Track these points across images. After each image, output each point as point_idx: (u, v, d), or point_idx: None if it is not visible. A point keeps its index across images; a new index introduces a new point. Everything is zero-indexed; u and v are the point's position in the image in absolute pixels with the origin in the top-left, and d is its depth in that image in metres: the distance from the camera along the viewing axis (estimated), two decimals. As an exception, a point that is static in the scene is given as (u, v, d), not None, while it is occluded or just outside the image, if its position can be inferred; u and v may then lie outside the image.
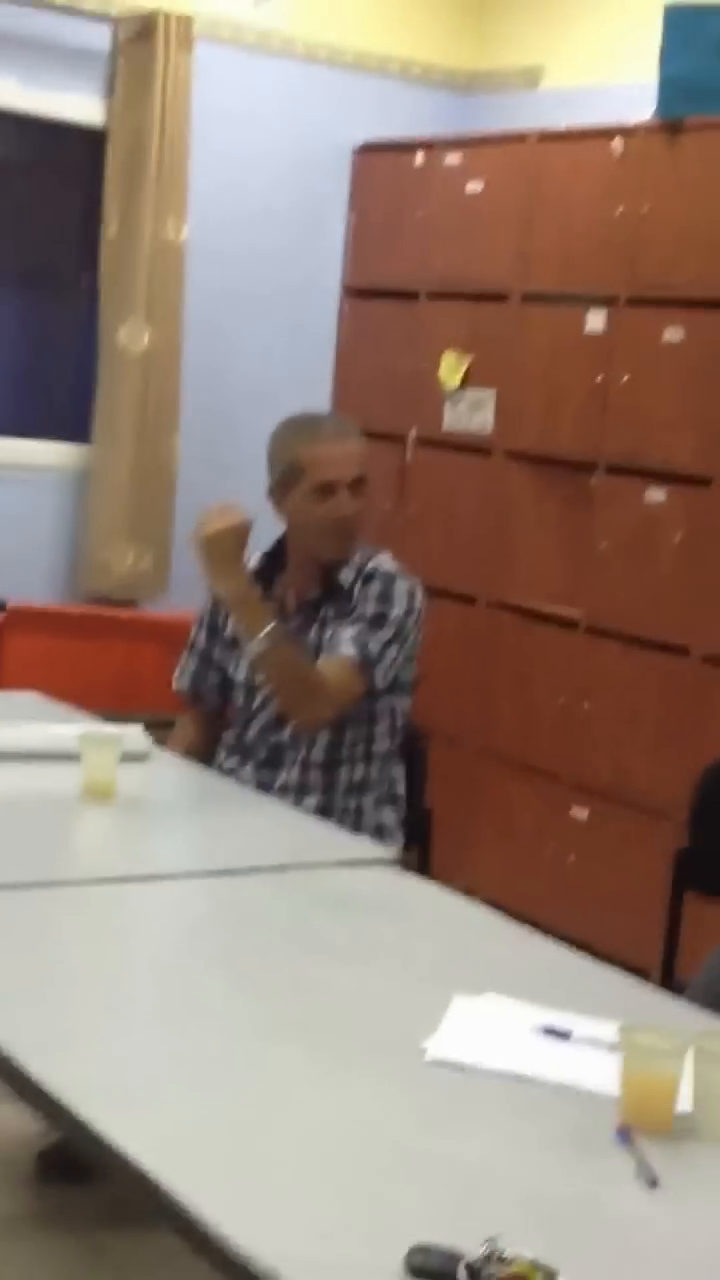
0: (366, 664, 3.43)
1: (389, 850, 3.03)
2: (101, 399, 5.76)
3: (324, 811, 3.47)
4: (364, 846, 3.05)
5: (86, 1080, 1.98)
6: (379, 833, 3.58)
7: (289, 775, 3.52)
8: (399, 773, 3.67)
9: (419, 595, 3.56)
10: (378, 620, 3.47)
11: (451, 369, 5.57)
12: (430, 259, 5.73)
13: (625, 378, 5.04)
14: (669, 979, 3.52)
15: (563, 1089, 2.08)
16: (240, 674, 3.60)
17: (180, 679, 3.74)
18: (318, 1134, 1.92)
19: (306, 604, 3.56)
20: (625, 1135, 1.94)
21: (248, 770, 3.56)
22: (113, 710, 5.02)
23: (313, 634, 3.53)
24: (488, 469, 5.52)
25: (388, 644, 3.46)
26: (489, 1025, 2.25)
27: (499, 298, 5.47)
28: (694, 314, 4.86)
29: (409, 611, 3.51)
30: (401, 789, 3.68)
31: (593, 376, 5.13)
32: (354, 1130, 1.93)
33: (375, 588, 3.50)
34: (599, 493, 5.14)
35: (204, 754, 3.68)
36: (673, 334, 4.90)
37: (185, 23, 5.59)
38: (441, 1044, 2.17)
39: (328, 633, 3.51)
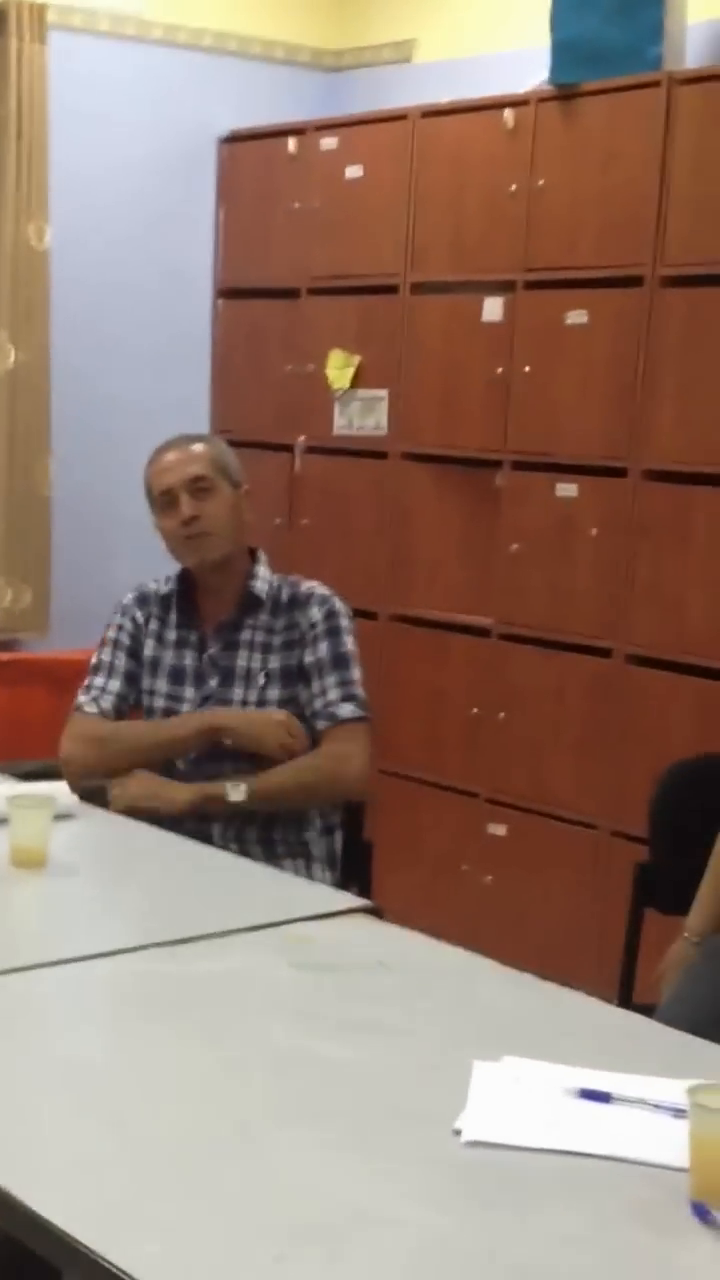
0: (366, 710, 3.52)
1: (361, 899, 2.90)
2: (-36, 425, 5.55)
3: (268, 844, 3.46)
4: (335, 897, 2.91)
5: (70, 1195, 1.82)
6: (330, 863, 3.57)
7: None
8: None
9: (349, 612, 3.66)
10: (342, 661, 3.52)
11: (339, 369, 5.46)
12: (309, 252, 5.63)
13: (527, 367, 4.96)
14: (626, 1004, 3.43)
15: (618, 1162, 1.96)
16: (159, 702, 3.57)
17: (101, 700, 3.59)
18: (352, 1235, 1.76)
19: (225, 626, 3.57)
20: (705, 1212, 1.82)
21: None
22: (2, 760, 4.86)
23: (241, 658, 3.54)
24: (384, 473, 5.42)
25: (360, 677, 3.55)
26: (519, 1094, 2.12)
27: (387, 290, 5.37)
28: (597, 295, 4.80)
29: (355, 635, 3.59)
30: (338, 817, 3.65)
31: (493, 368, 5.05)
32: (392, 1229, 1.78)
33: (318, 621, 3.53)
34: (505, 491, 5.07)
35: None
36: (576, 317, 4.83)
37: (38, 11, 5.40)
38: (475, 1122, 2.04)
39: (255, 657, 3.53)
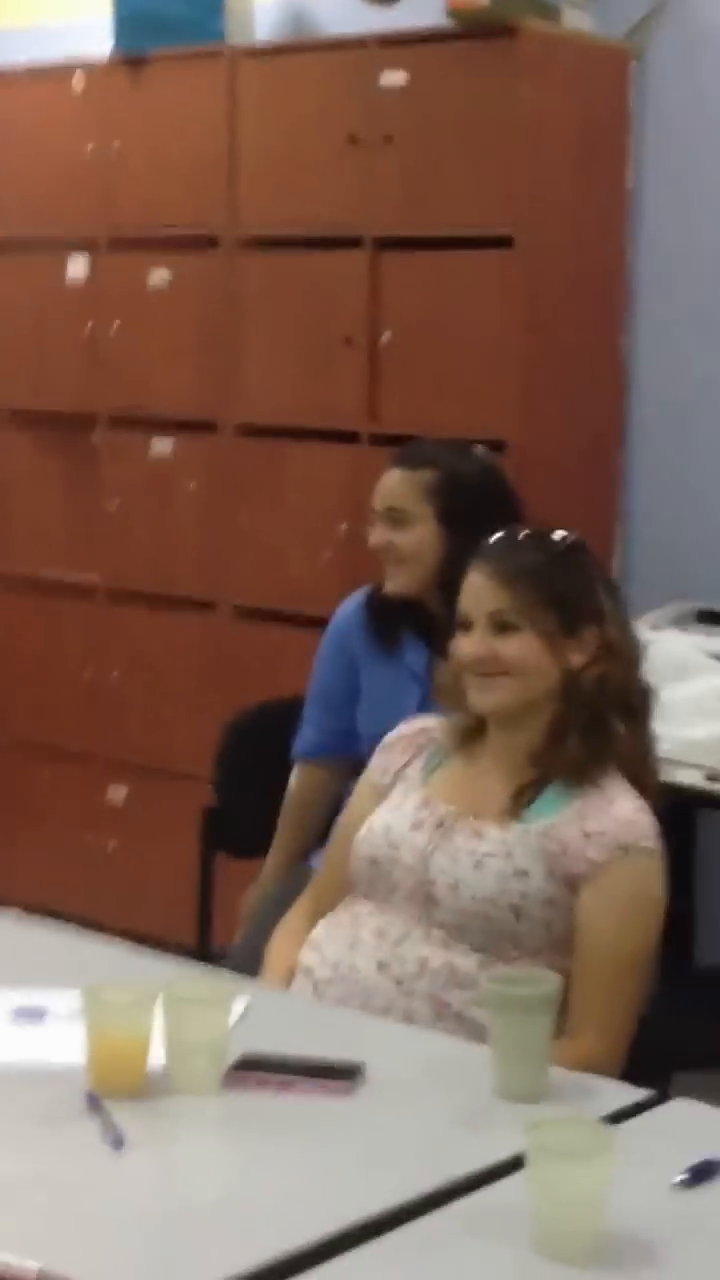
0: None
1: None
2: None
3: None
4: None
5: None
6: None
7: None
8: None
9: None
10: None
11: None
12: None
13: (115, 325, 5.17)
14: (206, 949, 3.64)
15: (31, 1070, 2.18)
16: None
17: None
18: None
19: None
20: (94, 1100, 2.06)
21: None
22: None
23: None
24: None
25: None
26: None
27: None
28: (179, 255, 5.06)
29: None
30: None
31: (81, 326, 5.24)
32: None
33: None
34: (102, 449, 5.26)
35: None
36: (160, 277, 5.07)
37: None
38: None
39: None
